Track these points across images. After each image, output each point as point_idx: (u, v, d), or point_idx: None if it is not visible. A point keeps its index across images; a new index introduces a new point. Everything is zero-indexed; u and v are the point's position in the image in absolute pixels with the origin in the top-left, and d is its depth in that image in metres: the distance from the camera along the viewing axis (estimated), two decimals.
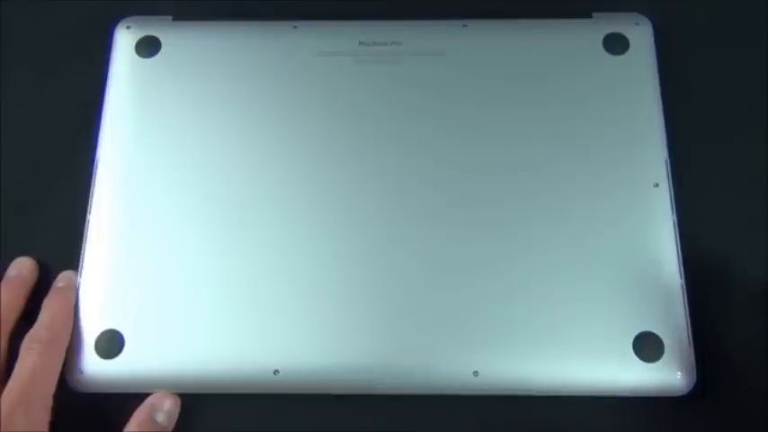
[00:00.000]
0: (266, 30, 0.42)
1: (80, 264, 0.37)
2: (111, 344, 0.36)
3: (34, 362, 0.34)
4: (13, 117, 0.42)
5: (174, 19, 0.42)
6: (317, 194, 0.38)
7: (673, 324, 0.36)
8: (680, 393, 0.35)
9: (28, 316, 0.37)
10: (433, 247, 0.37)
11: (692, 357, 0.35)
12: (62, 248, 0.39)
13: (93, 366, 0.36)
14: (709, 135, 0.41)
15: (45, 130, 0.42)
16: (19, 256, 0.39)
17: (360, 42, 0.41)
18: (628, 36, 0.41)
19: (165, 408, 0.35)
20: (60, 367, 0.35)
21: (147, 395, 0.36)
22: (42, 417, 0.33)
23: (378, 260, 0.37)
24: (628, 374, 0.35)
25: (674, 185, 0.38)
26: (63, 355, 0.35)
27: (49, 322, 0.36)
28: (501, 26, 0.41)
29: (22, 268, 0.38)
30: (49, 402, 0.34)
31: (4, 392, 0.33)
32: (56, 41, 0.43)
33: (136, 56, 0.41)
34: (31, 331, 0.35)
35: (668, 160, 0.38)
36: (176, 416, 0.36)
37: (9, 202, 0.40)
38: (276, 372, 0.35)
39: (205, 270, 0.37)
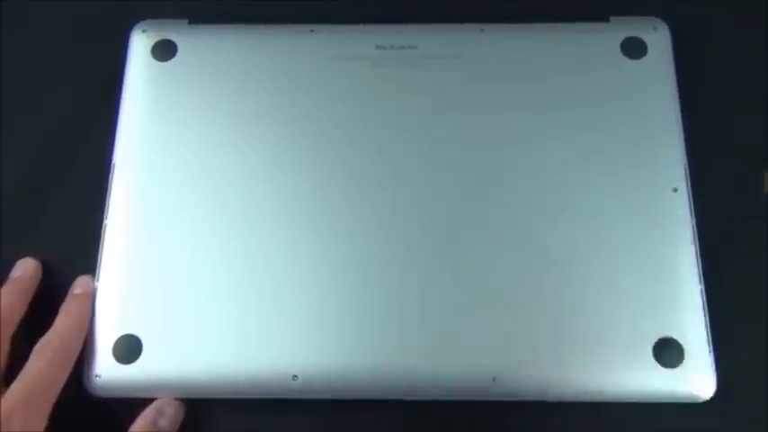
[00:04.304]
0: (282, 33, 0.42)
1: (97, 268, 0.37)
2: (129, 349, 0.36)
3: (42, 368, 0.34)
4: (25, 118, 0.42)
5: (189, 22, 0.42)
6: (335, 199, 0.38)
7: (693, 330, 0.36)
8: (700, 399, 0.35)
9: (31, 317, 0.37)
10: (453, 252, 0.37)
11: (713, 363, 0.35)
12: (66, 249, 0.39)
13: (111, 371, 0.36)
14: (728, 140, 0.40)
15: (60, 133, 0.42)
16: (23, 257, 0.39)
17: (376, 46, 0.41)
18: (646, 40, 0.40)
19: (168, 413, 0.35)
20: (68, 375, 0.35)
21: None
22: (40, 422, 0.33)
23: (398, 265, 0.37)
24: (648, 380, 0.35)
25: (692, 190, 0.38)
26: (72, 363, 0.35)
27: (62, 330, 0.36)
28: (518, 30, 0.41)
29: (27, 269, 0.38)
30: (49, 409, 0.33)
31: (7, 393, 0.33)
32: (71, 44, 0.43)
33: (152, 59, 0.41)
34: (45, 337, 0.35)
35: (687, 165, 0.38)
36: (180, 421, 0.36)
37: (12, 201, 0.40)
38: (295, 377, 0.35)
39: (223, 275, 0.37)
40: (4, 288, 0.37)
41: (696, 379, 0.35)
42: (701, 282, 0.36)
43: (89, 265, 0.38)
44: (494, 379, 0.35)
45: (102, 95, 0.41)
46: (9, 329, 0.35)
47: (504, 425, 0.36)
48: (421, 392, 0.36)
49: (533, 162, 0.38)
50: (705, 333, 0.36)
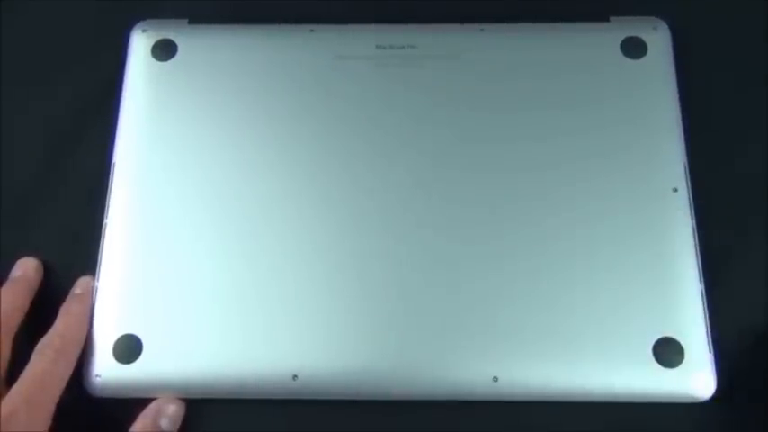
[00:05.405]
0: (282, 33, 0.42)
1: (97, 268, 0.37)
2: (129, 348, 0.36)
3: (44, 368, 0.34)
4: (25, 118, 0.42)
5: (189, 22, 0.42)
6: (334, 198, 0.38)
7: (692, 329, 0.36)
8: (700, 399, 0.35)
9: (32, 316, 0.37)
10: (453, 251, 0.37)
11: (713, 363, 0.35)
12: (66, 249, 0.39)
13: (111, 371, 0.36)
14: (728, 140, 0.40)
15: (60, 133, 0.42)
16: (23, 257, 0.39)
17: (376, 46, 0.41)
18: (646, 40, 0.40)
19: (169, 412, 0.35)
20: (69, 375, 0.35)
21: None
22: (44, 422, 0.33)
23: (398, 265, 0.37)
24: (648, 380, 0.35)
25: (692, 190, 0.38)
26: (74, 363, 0.35)
27: (63, 330, 0.36)
28: (518, 30, 0.41)
29: (27, 269, 0.38)
30: (52, 409, 0.33)
31: (9, 393, 0.33)
32: (71, 44, 0.43)
33: (152, 59, 0.41)
34: (46, 337, 0.35)
35: (687, 165, 0.38)
36: (180, 420, 0.36)
37: (12, 201, 0.40)
38: (295, 377, 0.35)
39: (223, 275, 0.37)
40: (5, 288, 0.37)
41: (696, 379, 0.35)
42: (701, 282, 0.36)
43: (89, 265, 0.38)
44: (495, 379, 0.35)
45: (102, 95, 0.41)
46: (10, 330, 0.35)
47: (505, 425, 0.36)
48: (421, 393, 0.36)
49: (533, 162, 0.38)
50: (705, 333, 0.36)
